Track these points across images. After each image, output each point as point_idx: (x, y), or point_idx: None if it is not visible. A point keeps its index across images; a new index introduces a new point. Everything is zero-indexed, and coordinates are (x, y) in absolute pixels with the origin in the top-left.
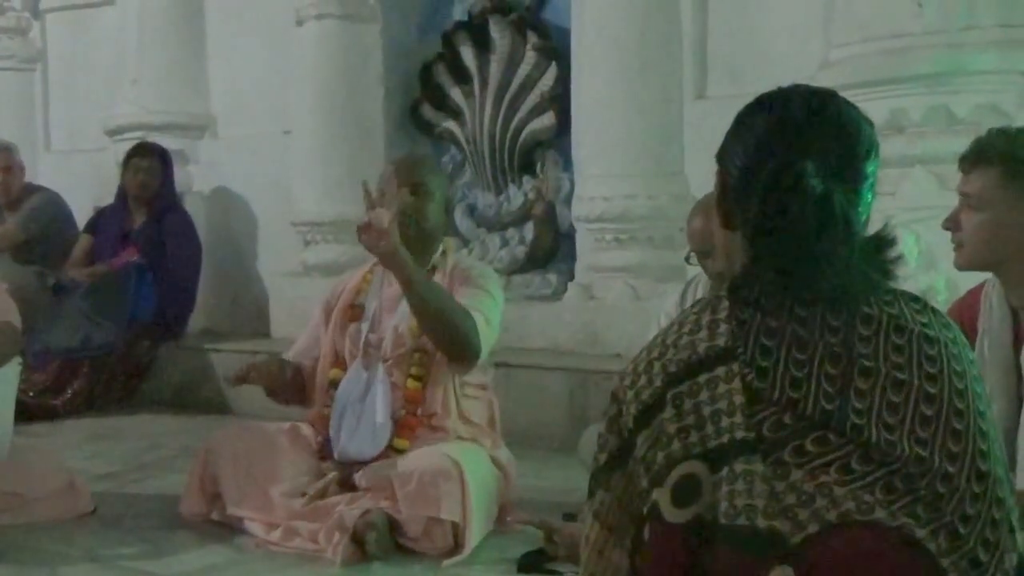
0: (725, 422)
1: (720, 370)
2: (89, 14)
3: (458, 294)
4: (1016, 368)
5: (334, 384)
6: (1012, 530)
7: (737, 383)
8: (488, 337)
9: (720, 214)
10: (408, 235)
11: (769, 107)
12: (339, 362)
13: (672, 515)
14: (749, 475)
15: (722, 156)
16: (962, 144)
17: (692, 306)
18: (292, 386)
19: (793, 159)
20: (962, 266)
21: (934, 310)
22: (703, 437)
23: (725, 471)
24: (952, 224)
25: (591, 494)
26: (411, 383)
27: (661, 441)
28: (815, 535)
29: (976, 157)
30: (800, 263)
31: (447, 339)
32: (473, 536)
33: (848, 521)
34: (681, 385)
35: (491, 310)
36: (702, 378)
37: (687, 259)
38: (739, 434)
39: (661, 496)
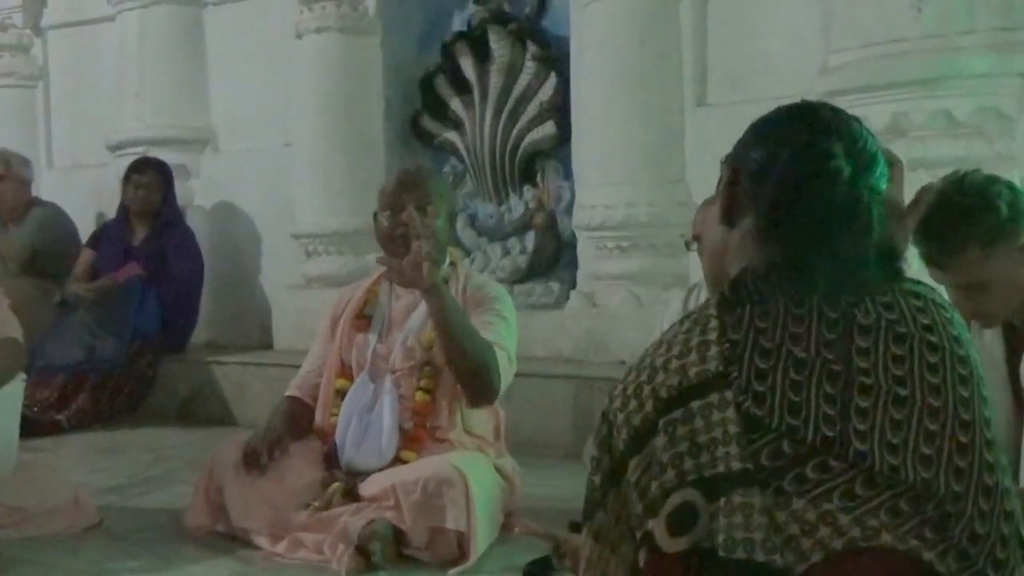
0: (720, 452)
1: (713, 397)
2: (90, 30)
3: (474, 318)
4: (1011, 382)
5: (340, 394)
6: (1021, 543)
7: (731, 412)
8: (508, 375)
9: (723, 207)
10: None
11: (791, 108)
12: (345, 372)
13: (668, 544)
14: (747, 508)
15: (736, 155)
16: (963, 147)
17: (680, 323)
18: (301, 434)
19: (820, 139)
20: (993, 326)
21: (936, 303)
22: (698, 465)
23: (722, 502)
24: (967, 315)
25: (589, 515)
26: (420, 395)
27: (653, 469)
28: (819, 564)
29: (946, 252)
30: (819, 251)
31: (471, 375)
32: (478, 545)
33: (854, 548)
34: (673, 412)
35: (511, 342)
36: (694, 405)
37: (687, 245)
38: (735, 465)
39: (656, 526)
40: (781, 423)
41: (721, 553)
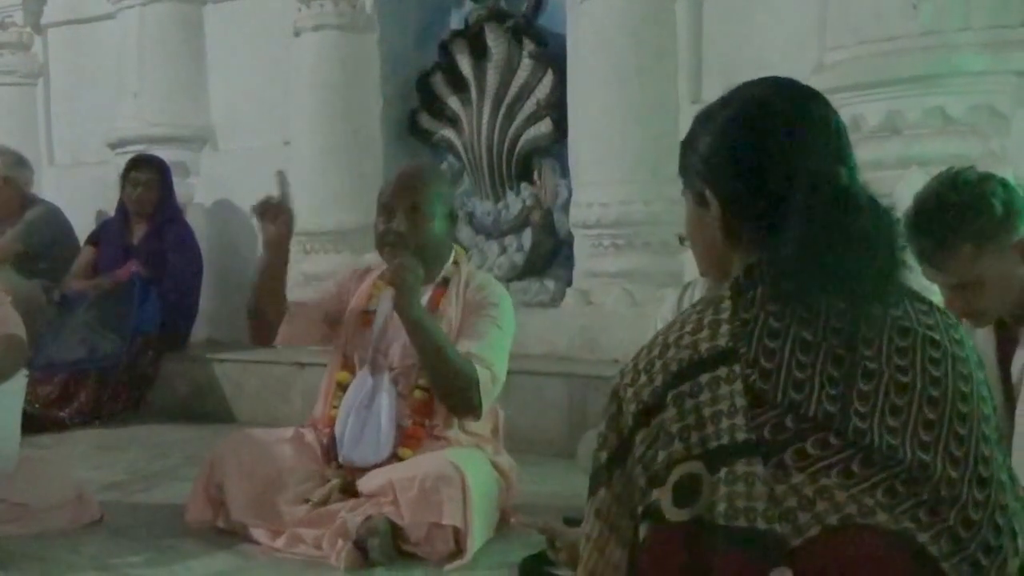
0: (725, 423)
1: (722, 370)
2: (90, 28)
3: (467, 323)
4: (1002, 380)
5: (342, 387)
6: (1015, 535)
7: (739, 384)
8: (492, 392)
9: (723, 234)
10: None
11: (753, 122)
12: (348, 365)
13: (672, 514)
14: (750, 477)
15: (714, 177)
16: (957, 145)
17: (694, 305)
18: (280, 285)
19: (828, 168)
20: (986, 325)
21: (940, 310)
22: (703, 438)
23: (724, 472)
24: (959, 313)
25: (592, 492)
26: (418, 393)
27: (661, 440)
28: (815, 538)
29: (940, 250)
30: (825, 268)
31: (447, 394)
32: (475, 541)
33: (849, 524)
34: (682, 385)
35: (499, 355)
36: (703, 378)
37: (681, 241)
38: (740, 436)
39: (662, 495)
40: (785, 398)
41: (721, 522)
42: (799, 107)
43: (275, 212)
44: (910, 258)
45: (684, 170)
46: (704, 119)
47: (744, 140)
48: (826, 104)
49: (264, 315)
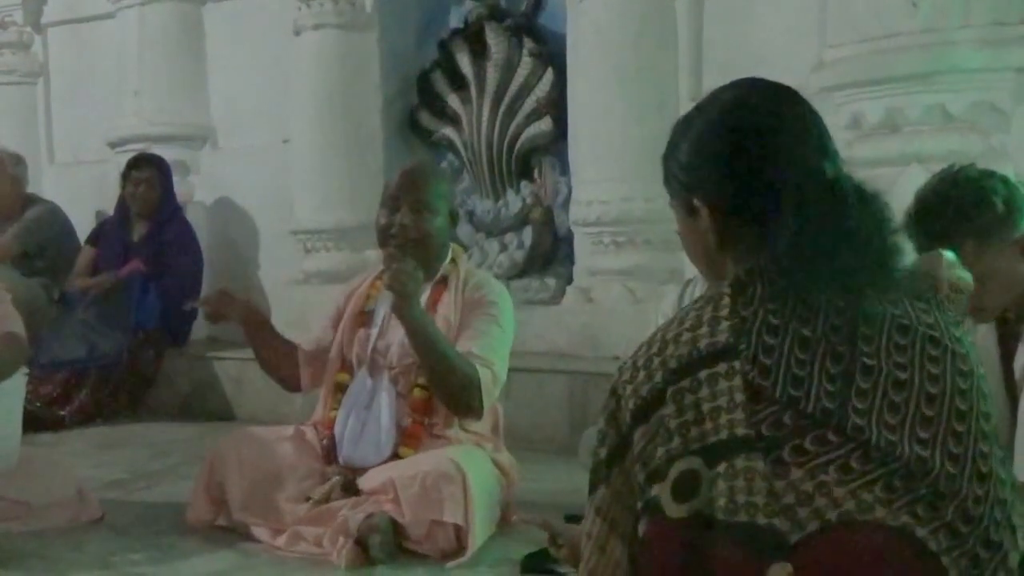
0: (724, 419)
1: (721, 366)
2: (90, 28)
3: (467, 322)
4: (1005, 377)
5: (340, 388)
6: (1014, 531)
7: (738, 380)
8: (493, 392)
9: (717, 240)
10: (412, 254)
11: (732, 124)
12: (346, 367)
13: (672, 510)
14: (749, 472)
15: (700, 185)
16: (958, 142)
17: (693, 302)
18: (278, 345)
19: (813, 164)
20: (988, 321)
21: (940, 308)
22: (702, 433)
23: (723, 467)
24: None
25: (592, 489)
26: (417, 392)
27: (660, 436)
28: (815, 533)
29: (940, 247)
30: (820, 265)
31: (447, 396)
32: (476, 538)
33: (848, 520)
34: (682, 381)
35: (500, 355)
36: (702, 374)
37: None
38: (739, 431)
39: (662, 491)
40: (783, 394)
41: (721, 517)
42: (776, 105)
43: (223, 307)
44: (904, 242)
45: (668, 181)
46: (682, 127)
47: (726, 143)
48: (801, 99)
49: (280, 372)
